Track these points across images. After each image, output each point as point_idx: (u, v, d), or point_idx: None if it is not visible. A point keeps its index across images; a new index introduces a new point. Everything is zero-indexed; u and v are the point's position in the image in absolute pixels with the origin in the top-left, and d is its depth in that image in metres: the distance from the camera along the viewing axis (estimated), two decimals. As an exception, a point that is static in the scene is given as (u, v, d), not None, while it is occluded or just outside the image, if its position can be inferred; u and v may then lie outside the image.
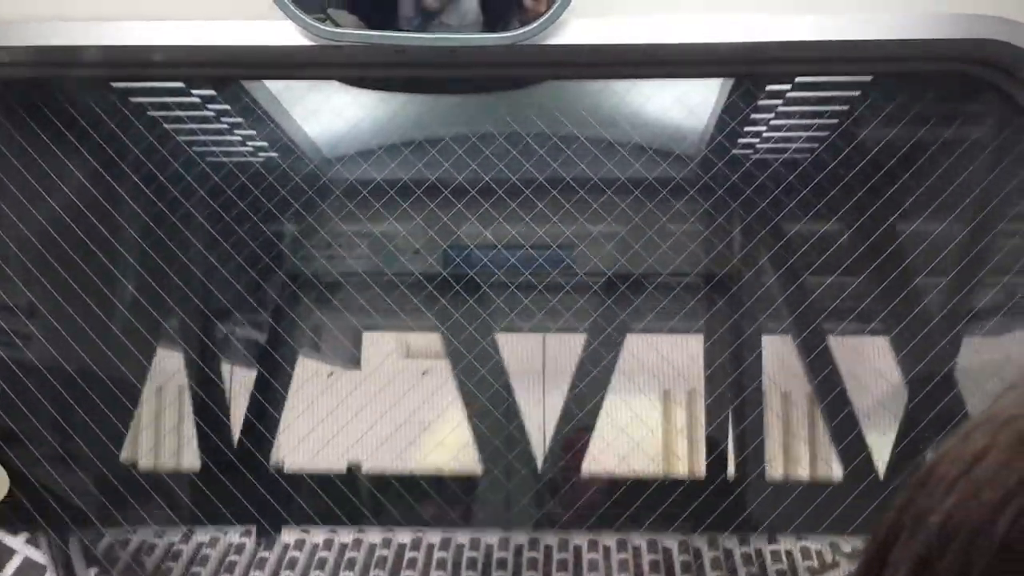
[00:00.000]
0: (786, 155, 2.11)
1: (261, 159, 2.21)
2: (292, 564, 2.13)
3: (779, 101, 2.15)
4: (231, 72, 1.96)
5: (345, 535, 2.19)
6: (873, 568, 0.53)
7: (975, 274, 2.08)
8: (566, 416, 2.35)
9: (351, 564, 2.14)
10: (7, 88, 1.97)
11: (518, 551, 2.15)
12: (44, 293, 2.04)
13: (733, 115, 2.20)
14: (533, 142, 2.13)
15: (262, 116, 2.23)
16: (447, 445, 2.32)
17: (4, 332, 2.05)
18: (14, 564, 1.96)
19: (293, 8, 1.63)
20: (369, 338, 2.52)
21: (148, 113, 2.14)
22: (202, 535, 2.16)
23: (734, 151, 2.20)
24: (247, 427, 2.32)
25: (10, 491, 1.95)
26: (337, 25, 1.66)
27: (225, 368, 2.41)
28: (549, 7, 1.64)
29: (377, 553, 2.17)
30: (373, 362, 2.47)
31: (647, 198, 2.19)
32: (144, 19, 1.75)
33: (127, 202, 2.18)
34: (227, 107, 2.21)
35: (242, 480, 2.17)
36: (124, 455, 2.24)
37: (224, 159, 2.16)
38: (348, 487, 2.19)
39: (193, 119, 2.21)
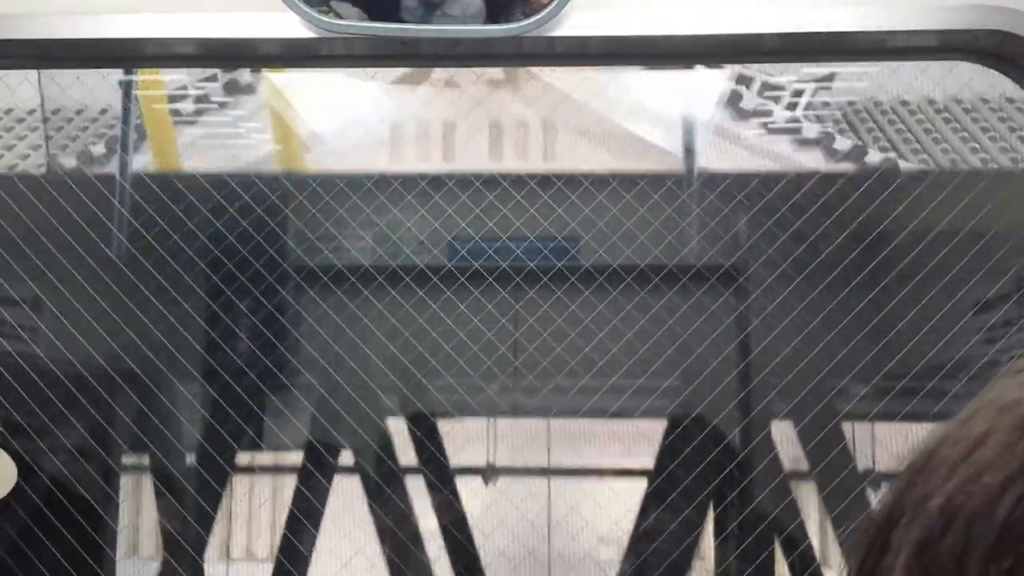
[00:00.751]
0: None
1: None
2: None
3: (784, 92, 2.14)
4: (232, 64, 1.96)
5: None
6: (874, 551, 0.53)
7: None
8: None
9: None
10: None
11: None
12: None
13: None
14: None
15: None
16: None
17: None
18: None
19: (295, 0, 1.63)
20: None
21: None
22: None
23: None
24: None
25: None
26: (340, 17, 1.66)
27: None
28: (552, -2, 1.63)
29: None
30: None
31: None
32: (145, 11, 1.74)
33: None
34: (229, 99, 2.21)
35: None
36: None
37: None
38: None
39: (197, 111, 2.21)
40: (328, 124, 2.37)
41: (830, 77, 2.12)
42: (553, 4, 1.64)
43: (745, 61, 1.96)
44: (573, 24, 1.69)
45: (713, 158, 2.22)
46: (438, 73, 2.27)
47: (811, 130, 2.19)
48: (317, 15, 1.64)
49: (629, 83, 2.21)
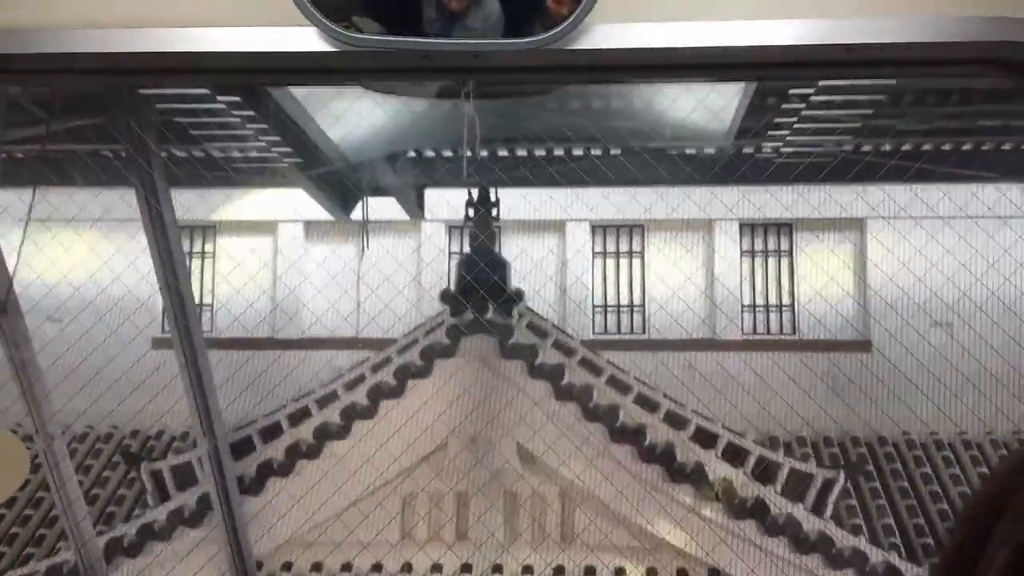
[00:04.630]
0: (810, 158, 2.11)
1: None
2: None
3: (803, 104, 2.15)
4: (255, 78, 1.98)
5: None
6: (976, 535, 0.52)
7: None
8: None
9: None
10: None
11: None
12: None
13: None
14: None
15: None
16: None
17: None
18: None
19: (317, 14, 1.64)
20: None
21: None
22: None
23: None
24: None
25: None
26: (361, 31, 1.67)
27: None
28: (571, 12, 1.64)
29: None
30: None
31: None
32: (169, 26, 1.76)
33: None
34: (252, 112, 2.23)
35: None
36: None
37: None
38: None
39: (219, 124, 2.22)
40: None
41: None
42: (572, 18, 1.64)
43: (763, 76, 1.97)
44: (592, 37, 1.70)
45: None
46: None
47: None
48: (339, 29, 1.66)
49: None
